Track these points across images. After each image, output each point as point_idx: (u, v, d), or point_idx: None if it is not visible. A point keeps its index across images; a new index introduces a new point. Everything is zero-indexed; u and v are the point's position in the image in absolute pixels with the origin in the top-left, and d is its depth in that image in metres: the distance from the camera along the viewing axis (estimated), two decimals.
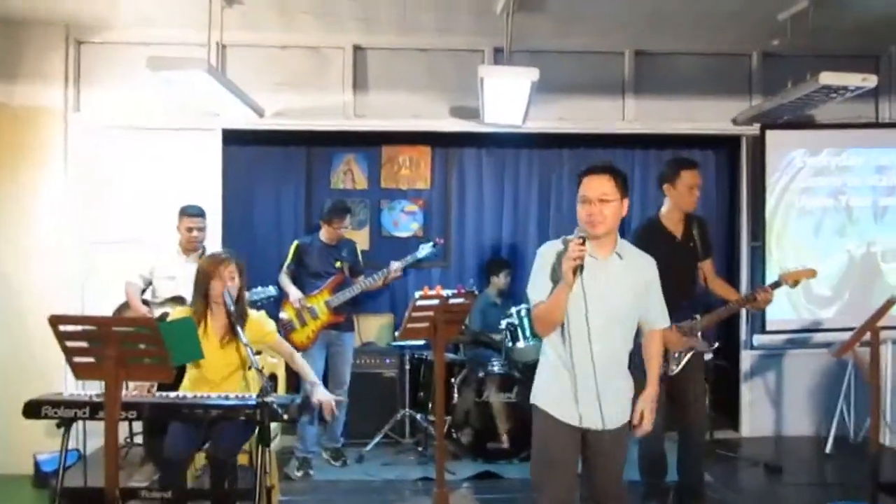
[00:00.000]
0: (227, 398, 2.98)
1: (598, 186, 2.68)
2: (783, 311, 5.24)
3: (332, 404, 3.39)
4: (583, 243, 2.57)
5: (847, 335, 3.76)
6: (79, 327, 2.63)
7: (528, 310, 3.03)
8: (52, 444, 4.19)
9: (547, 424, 2.78)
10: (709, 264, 4.02)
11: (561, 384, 2.75)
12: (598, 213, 2.65)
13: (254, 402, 2.86)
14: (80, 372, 2.70)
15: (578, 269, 2.56)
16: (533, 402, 2.88)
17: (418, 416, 5.29)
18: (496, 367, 5.00)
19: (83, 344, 2.63)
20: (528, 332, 5.03)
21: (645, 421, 2.81)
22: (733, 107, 5.49)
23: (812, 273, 3.88)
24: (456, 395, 5.08)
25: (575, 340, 2.70)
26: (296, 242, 5.02)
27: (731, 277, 5.51)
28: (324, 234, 4.96)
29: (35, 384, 3.91)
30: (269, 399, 2.86)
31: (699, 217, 4.04)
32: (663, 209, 3.92)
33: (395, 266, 4.95)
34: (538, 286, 2.76)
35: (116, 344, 2.56)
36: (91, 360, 2.64)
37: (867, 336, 3.58)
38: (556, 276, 2.69)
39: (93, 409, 2.88)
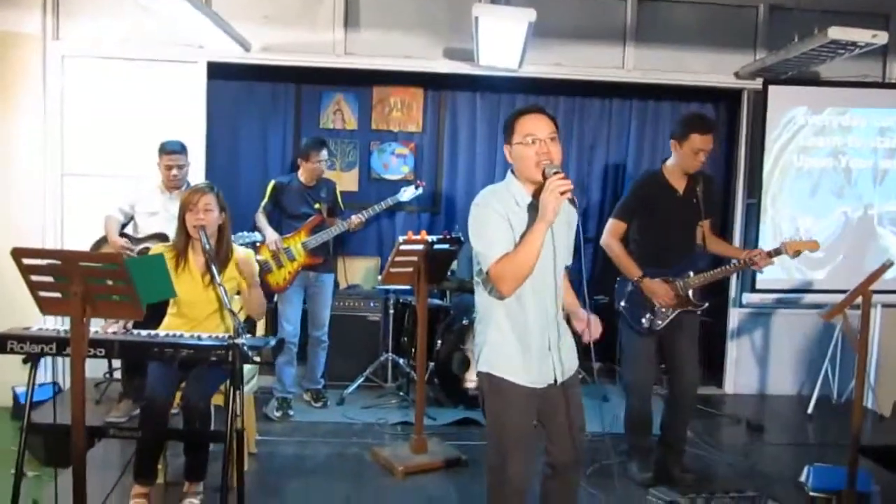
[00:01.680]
0: (199, 338, 2.91)
1: (545, 125, 2.50)
2: (774, 270, 5.16)
3: None
4: (561, 174, 2.40)
5: (838, 297, 3.70)
6: (44, 261, 2.54)
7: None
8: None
9: (507, 394, 2.54)
10: (708, 224, 3.91)
11: (519, 347, 2.54)
12: (550, 154, 2.47)
13: (224, 343, 2.79)
14: (45, 307, 2.63)
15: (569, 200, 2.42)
16: (487, 370, 2.59)
17: (401, 361, 5.27)
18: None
19: (48, 279, 2.55)
20: None
21: (590, 323, 2.61)
22: (736, 60, 5.34)
23: (815, 245, 3.79)
24: (439, 342, 5.04)
25: (532, 294, 2.52)
26: (272, 182, 4.88)
27: (725, 233, 5.44)
28: (302, 173, 4.82)
29: (13, 318, 3.84)
30: (240, 340, 2.78)
31: (708, 175, 3.91)
32: (669, 162, 3.80)
33: (357, 217, 4.81)
34: (497, 238, 2.46)
35: (82, 279, 2.49)
36: (57, 295, 2.57)
37: (859, 299, 3.52)
38: (514, 223, 2.49)
39: (60, 345, 2.80)
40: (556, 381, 2.60)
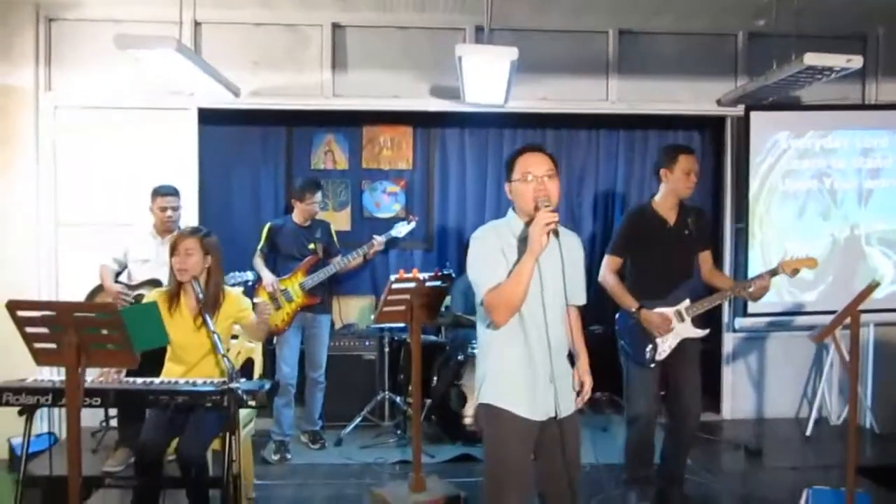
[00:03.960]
0: (193, 384, 2.93)
1: (542, 163, 2.61)
2: (766, 294, 5.21)
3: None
4: (551, 208, 2.51)
5: (828, 318, 3.73)
6: (38, 312, 2.57)
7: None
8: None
9: (507, 426, 2.59)
10: (707, 256, 3.97)
11: (520, 377, 2.61)
12: (546, 191, 2.57)
13: (219, 388, 2.80)
14: (41, 358, 2.66)
15: (554, 234, 2.49)
16: (485, 401, 2.65)
17: (397, 399, 5.27)
18: (476, 349, 4.95)
19: (43, 330, 2.58)
20: None
21: (586, 387, 2.73)
22: (718, 87, 5.43)
23: (813, 262, 3.79)
24: (435, 378, 5.04)
25: (529, 325, 2.59)
26: (268, 224, 4.94)
27: (715, 259, 5.46)
28: (297, 214, 4.87)
29: (6, 369, 3.84)
30: (235, 385, 2.80)
31: (698, 208, 3.98)
32: (657, 196, 3.86)
33: (378, 240, 4.90)
34: (491, 269, 2.57)
35: (77, 330, 2.52)
36: (52, 345, 2.59)
37: (848, 320, 3.54)
38: (510, 255, 2.60)
39: (55, 396, 2.82)
40: (555, 415, 2.62)
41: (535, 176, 2.58)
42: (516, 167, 2.64)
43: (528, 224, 2.57)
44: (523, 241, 2.58)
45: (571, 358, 2.78)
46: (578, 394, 2.73)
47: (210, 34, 5.15)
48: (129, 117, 5.08)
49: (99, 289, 4.55)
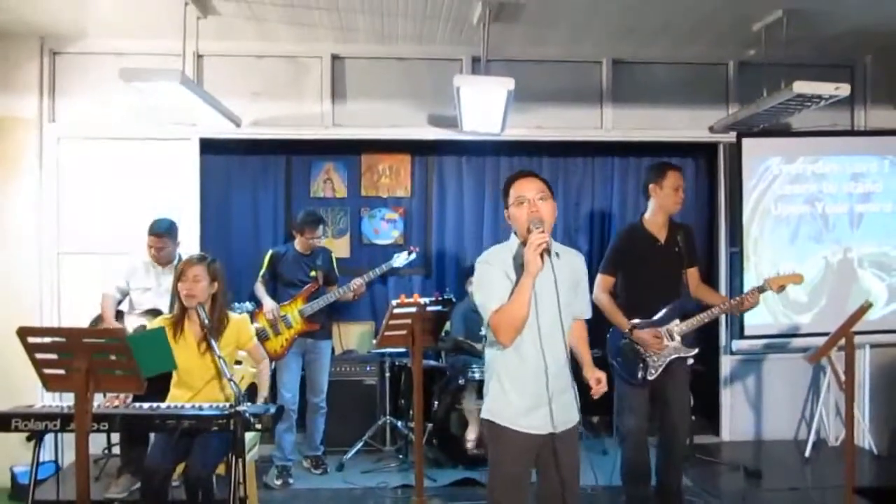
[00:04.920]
0: (200, 408, 2.97)
1: (534, 186, 2.74)
2: (761, 316, 5.28)
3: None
4: (542, 230, 2.61)
5: (823, 340, 3.79)
6: (48, 339, 2.62)
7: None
8: (30, 456, 4.14)
9: (507, 441, 2.73)
10: (694, 272, 4.05)
11: (518, 395, 2.73)
12: (539, 211, 2.69)
13: (226, 412, 2.84)
14: (50, 384, 2.69)
15: (546, 253, 2.58)
16: (488, 418, 2.80)
17: (399, 424, 5.29)
18: (476, 373, 4.99)
19: (52, 356, 2.62)
20: None
21: (602, 382, 2.80)
22: (710, 115, 5.54)
23: (798, 278, 3.89)
24: (436, 403, 5.08)
25: (526, 345, 2.70)
26: (270, 252, 5.01)
27: (711, 282, 5.52)
28: (298, 243, 4.95)
29: (10, 395, 3.87)
30: (241, 408, 2.84)
31: (685, 225, 4.07)
32: (647, 214, 3.95)
33: (357, 282, 4.94)
34: (495, 291, 2.70)
35: (86, 355, 2.56)
36: (61, 371, 2.63)
37: (842, 341, 3.60)
38: (513, 277, 2.71)
39: (63, 421, 2.86)
40: (552, 431, 2.70)
41: (526, 199, 2.71)
42: (511, 193, 2.78)
43: (524, 245, 2.66)
44: (521, 263, 2.66)
45: (576, 370, 2.85)
46: (590, 390, 2.81)
47: (211, 66, 5.25)
48: (132, 147, 5.16)
49: (100, 318, 4.57)
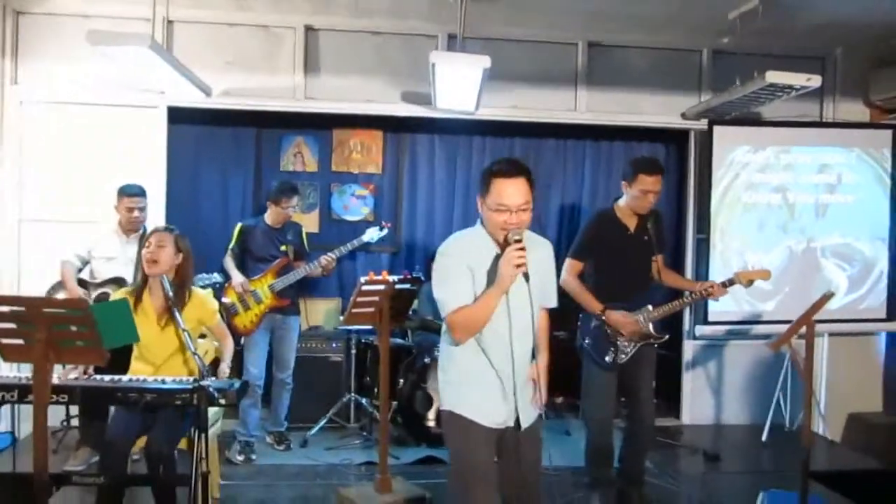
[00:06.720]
0: (163, 382, 2.92)
1: (519, 194, 2.53)
2: (725, 303, 5.31)
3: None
4: (521, 244, 2.49)
5: (785, 328, 3.85)
6: (6, 308, 2.55)
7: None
8: None
9: (469, 432, 2.62)
10: (661, 259, 4.06)
11: (483, 387, 2.63)
12: (518, 223, 2.53)
13: (190, 386, 2.80)
14: (7, 354, 2.63)
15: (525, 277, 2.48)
16: (448, 409, 2.68)
17: (363, 401, 5.29)
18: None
19: (11, 325, 2.55)
20: None
21: (542, 391, 2.74)
22: (683, 101, 5.57)
23: (766, 274, 3.94)
24: (401, 381, 5.08)
25: (493, 340, 2.61)
26: (239, 225, 4.93)
27: (677, 269, 5.59)
28: (269, 215, 4.87)
29: None
30: (205, 383, 2.81)
31: (655, 210, 4.01)
32: (620, 201, 3.93)
33: (328, 257, 4.86)
34: (456, 290, 2.57)
35: (46, 326, 2.49)
36: (19, 341, 2.57)
37: (803, 329, 3.66)
38: (476, 270, 2.59)
39: (21, 392, 2.79)
40: (518, 426, 2.67)
41: (509, 210, 2.52)
42: (492, 190, 2.55)
43: (499, 244, 2.57)
44: (495, 260, 2.57)
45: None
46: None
47: (182, 32, 5.13)
48: (97, 113, 5.04)
49: (59, 285, 4.48)
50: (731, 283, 3.88)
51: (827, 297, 3.57)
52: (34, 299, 2.71)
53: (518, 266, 2.45)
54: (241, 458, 4.66)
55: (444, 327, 2.70)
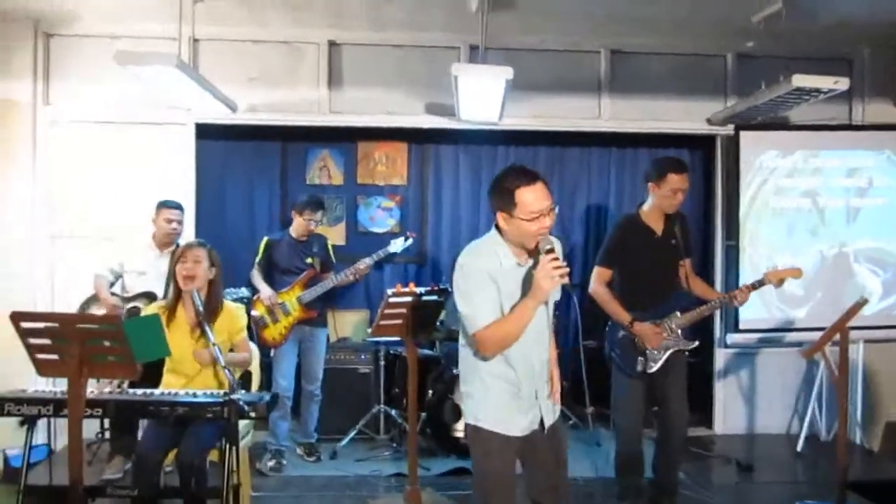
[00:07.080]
0: (194, 395, 2.96)
1: (546, 196, 2.49)
2: (756, 310, 5.29)
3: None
4: (555, 254, 2.45)
5: (818, 335, 3.79)
6: (41, 324, 2.59)
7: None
8: (22, 439, 4.13)
9: (495, 445, 2.60)
10: (689, 264, 4.02)
11: (504, 400, 2.61)
12: (550, 226, 2.50)
13: (220, 400, 2.83)
14: (43, 369, 2.68)
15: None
16: (473, 423, 2.65)
17: (393, 412, 5.28)
18: None
19: (46, 341, 2.60)
20: None
21: (556, 383, 2.76)
22: (708, 107, 5.52)
23: (797, 272, 3.87)
24: (430, 392, 5.08)
25: (514, 351, 2.57)
26: (265, 239, 4.98)
27: (706, 276, 5.53)
28: (294, 228, 4.91)
29: (3, 379, 3.85)
30: (235, 396, 2.83)
31: (682, 214, 3.99)
32: (645, 206, 3.90)
33: (365, 262, 4.90)
34: (484, 305, 2.51)
35: (80, 341, 2.54)
36: (54, 357, 2.61)
37: (837, 336, 3.61)
38: (498, 280, 2.53)
39: (57, 407, 2.84)
40: (542, 427, 2.67)
41: (542, 214, 2.47)
42: (519, 202, 2.47)
43: (528, 252, 2.56)
44: (515, 269, 2.56)
45: None
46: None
47: (207, 50, 5.21)
48: (126, 132, 5.13)
49: (93, 299, 4.56)
50: (760, 283, 3.83)
51: (860, 303, 3.53)
52: (68, 315, 2.77)
53: (561, 277, 2.40)
54: (271, 463, 4.69)
55: (461, 339, 2.69)
